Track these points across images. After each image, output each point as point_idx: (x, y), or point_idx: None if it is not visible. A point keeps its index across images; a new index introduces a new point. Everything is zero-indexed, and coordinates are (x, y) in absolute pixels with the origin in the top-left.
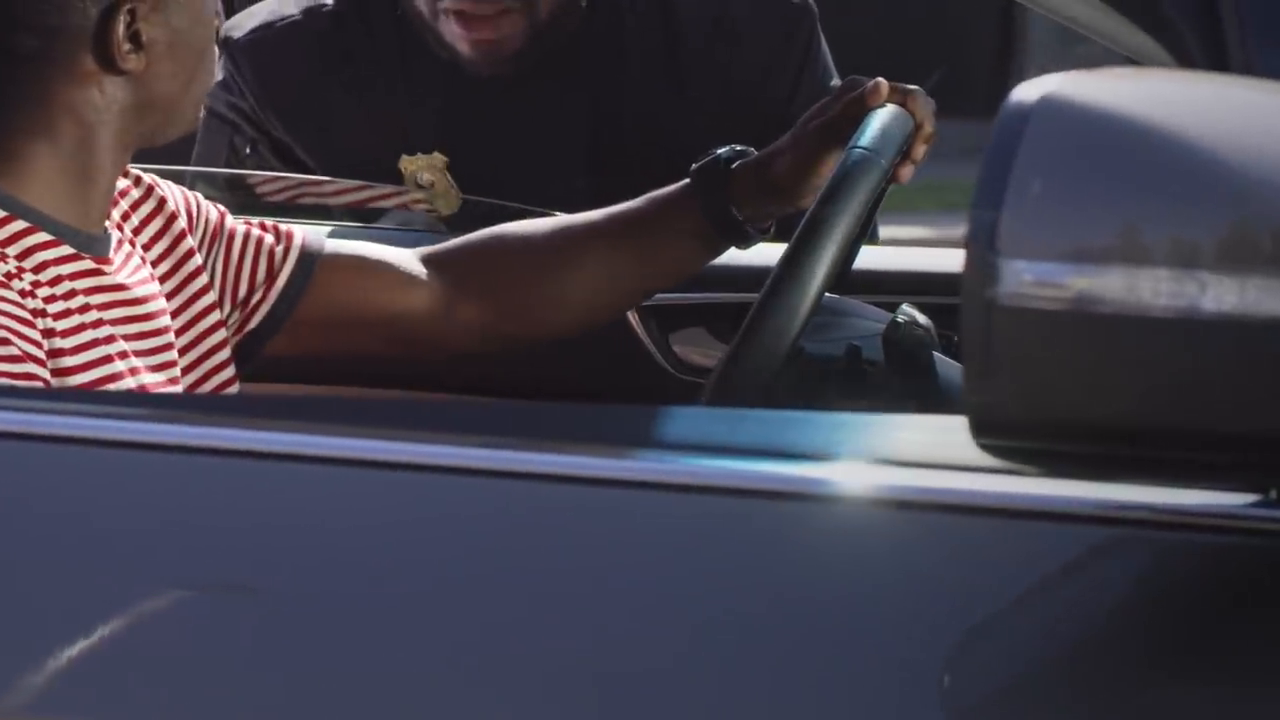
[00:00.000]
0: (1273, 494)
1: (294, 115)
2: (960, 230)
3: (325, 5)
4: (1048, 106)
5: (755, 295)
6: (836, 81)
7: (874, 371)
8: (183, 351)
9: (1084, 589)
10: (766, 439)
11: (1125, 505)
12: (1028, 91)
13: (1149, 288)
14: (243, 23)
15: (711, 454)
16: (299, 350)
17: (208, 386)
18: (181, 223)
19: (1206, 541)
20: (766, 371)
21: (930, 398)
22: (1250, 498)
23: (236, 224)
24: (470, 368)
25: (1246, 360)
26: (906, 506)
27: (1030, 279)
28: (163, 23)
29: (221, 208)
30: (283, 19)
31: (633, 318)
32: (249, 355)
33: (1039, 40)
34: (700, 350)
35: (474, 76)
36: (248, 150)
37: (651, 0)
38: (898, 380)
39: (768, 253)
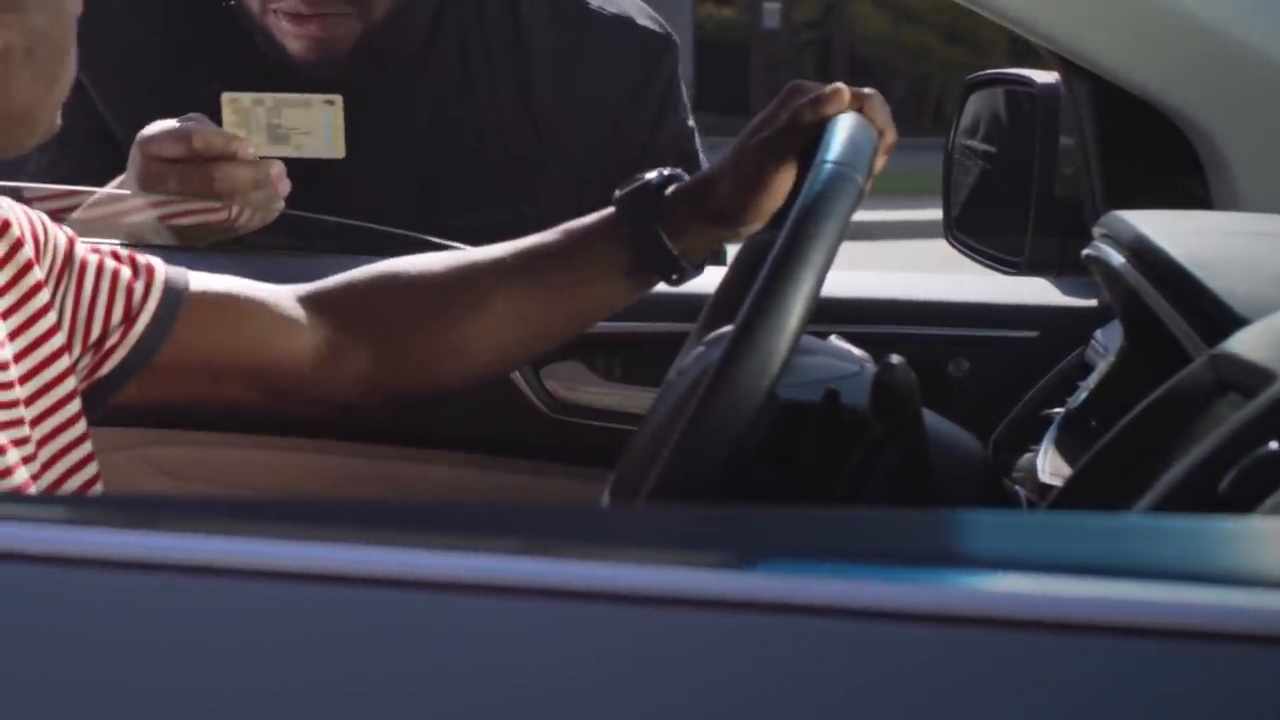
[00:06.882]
0: None
1: (114, 88)
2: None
3: None
4: None
5: (633, 324)
6: (690, 119)
7: (853, 419)
8: (28, 402)
9: None
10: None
11: None
12: None
13: None
14: None
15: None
16: (153, 399)
17: (57, 444)
18: (28, 251)
19: None
20: (742, 421)
21: (914, 450)
22: None
23: (87, 252)
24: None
25: None
26: None
27: None
28: (17, 25)
29: (69, 231)
30: None
31: None
32: (95, 404)
33: None
34: (573, 386)
35: (305, 79)
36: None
37: (503, 25)
38: (881, 430)
39: None
